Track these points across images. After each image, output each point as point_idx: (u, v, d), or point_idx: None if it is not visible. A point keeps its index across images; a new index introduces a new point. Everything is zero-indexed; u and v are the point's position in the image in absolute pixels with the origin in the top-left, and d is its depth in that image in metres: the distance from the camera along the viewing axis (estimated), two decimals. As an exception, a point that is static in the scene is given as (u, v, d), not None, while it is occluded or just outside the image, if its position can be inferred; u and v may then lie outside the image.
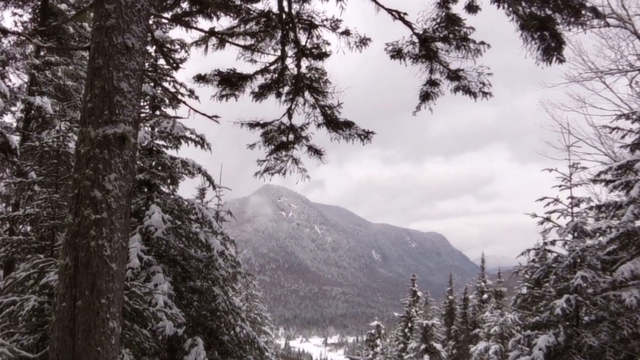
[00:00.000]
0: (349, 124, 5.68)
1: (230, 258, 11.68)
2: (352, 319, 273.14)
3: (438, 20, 4.90)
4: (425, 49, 5.11)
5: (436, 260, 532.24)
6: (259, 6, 5.28)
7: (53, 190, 7.97)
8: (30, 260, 6.53)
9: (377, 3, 4.85)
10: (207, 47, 5.48)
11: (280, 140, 6.06)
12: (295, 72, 5.62)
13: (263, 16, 5.29)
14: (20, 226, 9.26)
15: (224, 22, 5.34)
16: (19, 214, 8.11)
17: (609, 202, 10.34)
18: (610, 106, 11.42)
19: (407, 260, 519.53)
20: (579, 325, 10.46)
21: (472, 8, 4.84)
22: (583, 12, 4.46)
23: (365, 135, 5.68)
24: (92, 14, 3.82)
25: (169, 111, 11.25)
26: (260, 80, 5.75)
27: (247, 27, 5.39)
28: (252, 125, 5.93)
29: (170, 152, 10.93)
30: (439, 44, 5.06)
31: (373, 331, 33.90)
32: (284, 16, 5.28)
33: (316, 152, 6.01)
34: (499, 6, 4.56)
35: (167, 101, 10.98)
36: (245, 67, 5.65)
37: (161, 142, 10.89)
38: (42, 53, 12.26)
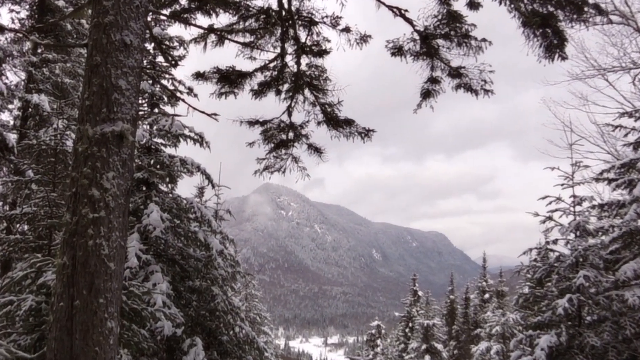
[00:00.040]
0: (349, 122, 5.65)
1: (229, 257, 11.64)
2: (352, 319, 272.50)
3: (439, 17, 4.86)
4: (426, 46, 5.08)
5: (437, 260, 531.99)
6: (258, 2, 5.25)
7: (50, 188, 7.91)
8: (27, 259, 6.49)
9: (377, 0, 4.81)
10: (206, 44, 5.44)
11: (280, 139, 6.03)
12: (295, 70, 5.58)
13: (262, 13, 5.24)
14: (18, 225, 9.20)
15: (223, 19, 5.30)
16: (16, 213, 8.06)
17: (612, 200, 10.25)
18: (613, 104, 11.35)
19: (407, 259, 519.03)
20: (582, 325, 10.39)
21: (473, 5, 4.80)
22: (585, 8, 4.43)
23: (366, 133, 5.64)
24: (90, 11, 3.79)
25: (168, 109, 11.20)
26: (259, 77, 5.72)
27: (247, 24, 5.35)
28: (252, 123, 5.89)
29: (169, 150, 10.90)
30: (440, 41, 5.03)
31: (373, 331, 33.84)
32: (283, 13, 5.24)
33: (316, 150, 5.98)
34: (500, 3, 4.52)
35: (165, 99, 10.92)
36: (244, 65, 5.63)
37: (160, 140, 10.84)
38: (39, 50, 12.18)
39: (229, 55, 5.51)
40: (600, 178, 10.43)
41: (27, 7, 12.89)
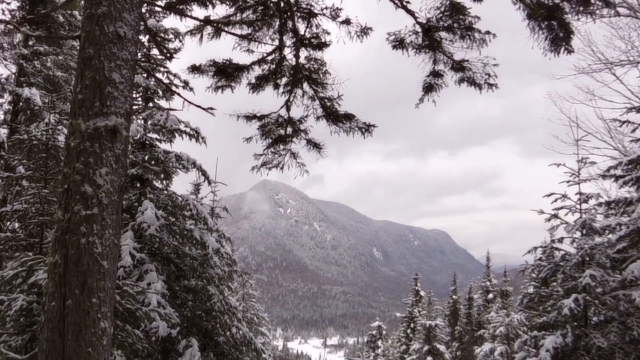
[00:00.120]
0: (349, 117, 5.55)
1: (226, 256, 11.54)
2: (352, 319, 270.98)
3: (442, 8, 4.74)
4: (429, 38, 4.97)
5: (440, 259, 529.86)
6: (256, -6, 5.10)
7: (42, 185, 7.77)
8: (18, 258, 6.38)
9: (379, -9, 4.69)
10: (202, 36, 5.30)
11: (278, 134, 5.92)
12: (294, 63, 5.46)
13: (260, 4, 5.12)
14: (8, 223, 9.05)
15: (219, 10, 5.17)
16: (6, 210, 7.92)
17: (619, 198, 10.14)
18: (620, 99, 11.19)
19: (409, 258, 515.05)
20: (588, 325, 10.31)
21: (477, -4, 4.68)
22: (592, 0, 4.33)
23: (366, 129, 5.55)
24: (82, 2, 3.76)
25: (163, 103, 11.05)
26: (257, 71, 5.62)
27: (244, 15, 5.22)
28: (249, 117, 5.78)
29: (164, 145, 10.75)
30: (443, 34, 4.91)
31: (374, 332, 33.74)
32: (282, 4, 5.12)
33: (315, 145, 5.88)
34: (505, -6, 4.42)
35: (160, 93, 10.76)
36: (241, 58, 5.51)
37: (154, 135, 10.69)
38: (30, 42, 11.94)
39: (226, 48, 5.41)
40: (607, 175, 10.32)
41: (18, -2, 12.62)
